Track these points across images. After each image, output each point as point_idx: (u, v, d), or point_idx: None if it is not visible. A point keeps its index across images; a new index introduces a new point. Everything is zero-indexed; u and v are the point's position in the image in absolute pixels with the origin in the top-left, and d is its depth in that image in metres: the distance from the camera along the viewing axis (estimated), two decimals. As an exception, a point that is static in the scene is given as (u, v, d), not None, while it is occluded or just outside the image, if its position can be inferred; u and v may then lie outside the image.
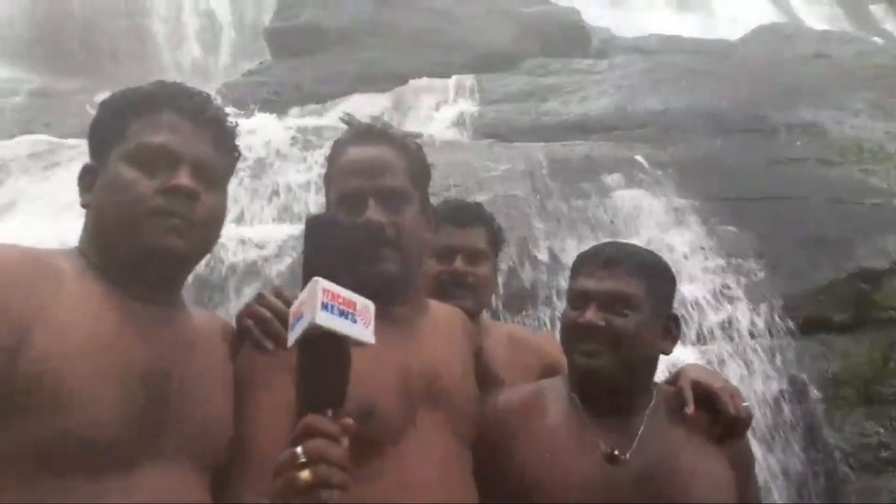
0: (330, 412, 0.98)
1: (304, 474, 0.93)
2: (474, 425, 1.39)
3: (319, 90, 7.81)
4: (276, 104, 7.37)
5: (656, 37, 9.24)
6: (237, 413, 1.21)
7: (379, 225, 1.32)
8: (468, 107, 7.13)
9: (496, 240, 1.96)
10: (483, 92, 7.38)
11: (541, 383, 1.59)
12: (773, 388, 4.29)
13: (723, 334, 4.72)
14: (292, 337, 1.01)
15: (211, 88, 8.35)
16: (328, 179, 1.43)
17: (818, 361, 4.40)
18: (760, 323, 4.75)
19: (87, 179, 1.20)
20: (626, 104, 7.75)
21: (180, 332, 1.18)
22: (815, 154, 6.89)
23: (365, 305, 1.03)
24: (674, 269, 5.43)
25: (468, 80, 7.40)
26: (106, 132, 1.18)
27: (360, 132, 1.44)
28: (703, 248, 5.36)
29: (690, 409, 1.46)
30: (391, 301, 1.33)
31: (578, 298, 1.49)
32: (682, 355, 4.52)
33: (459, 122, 6.89)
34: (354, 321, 1.01)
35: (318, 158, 5.04)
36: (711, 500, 1.38)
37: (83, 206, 1.20)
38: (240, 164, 1.36)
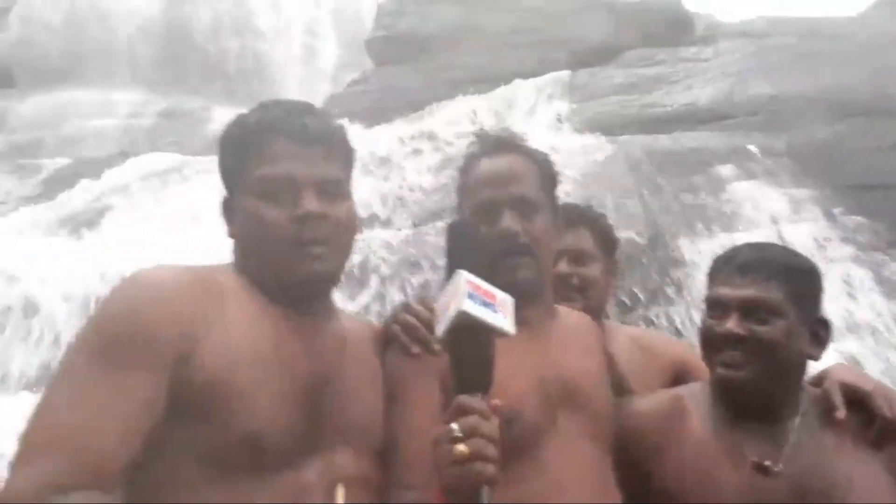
0: (480, 395, 1.03)
1: (461, 447, 0.98)
2: (612, 429, 1.39)
3: (421, 96, 7.95)
4: (381, 112, 7.56)
5: (764, 19, 8.80)
6: (386, 413, 1.27)
7: (514, 233, 1.36)
8: (566, 103, 7.06)
9: (605, 239, 1.91)
10: (581, 87, 7.28)
11: (678, 391, 1.54)
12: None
13: (856, 330, 4.46)
14: (441, 328, 1.06)
15: (317, 101, 8.68)
16: (462, 190, 1.46)
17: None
18: (897, 317, 4.47)
19: (227, 212, 1.28)
20: (736, 91, 7.41)
21: (333, 338, 1.25)
22: (950, 133, 6.38)
23: (504, 298, 1.08)
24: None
25: (565, 76, 7.32)
26: (229, 168, 1.25)
27: (492, 144, 1.45)
28: (827, 240, 5.09)
29: (841, 413, 1.38)
30: (525, 307, 1.36)
31: (716, 306, 1.42)
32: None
33: (558, 120, 6.83)
34: (496, 311, 1.06)
35: (428, 162, 5.15)
36: None
37: (230, 236, 1.28)
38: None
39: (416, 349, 1.29)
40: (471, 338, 1.04)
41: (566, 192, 5.31)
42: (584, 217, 1.90)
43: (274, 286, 1.21)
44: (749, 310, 1.38)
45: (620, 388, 1.52)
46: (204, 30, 8.72)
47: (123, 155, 6.02)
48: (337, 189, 1.24)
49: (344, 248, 1.27)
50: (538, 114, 7.12)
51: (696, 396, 1.48)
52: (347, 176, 1.30)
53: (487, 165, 1.42)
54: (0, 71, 7.67)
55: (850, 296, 4.68)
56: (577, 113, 7.07)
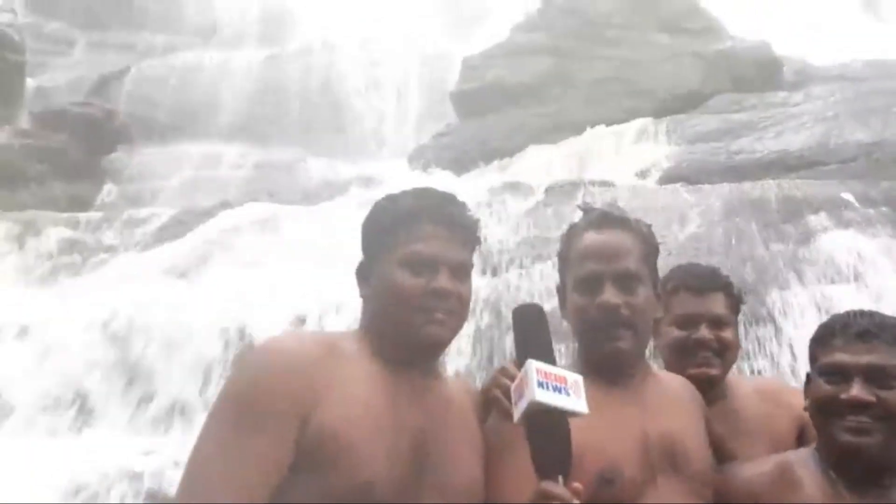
0: (560, 478, 1.11)
1: None
2: (711, 489, 1.44)
3: (504, 145, 8.11)
4: (465, 162, 7.77)
5: (860, 62, 8.51)
6: (487, 474, 1.37)
7: (616, 306, 1.44)
8: (652, 151, 7.03)
9: (736, 304, 1.94)
10: (668, 134, 7.24)
11: (787, 455, 1.55)
12: None
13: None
14: (517, 414, 1.14)
15: (405, 153, 9.00)
16: (564, 261, 1.57)
17: None
18: None
19: (363, 275, 1.45)
20: (830, 137, 7.19)
21: (439, 398, 1.39)
22: None
23: (575, 380, 1.15)
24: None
25: (650, 123, 7.31)
26: (375, 239, 1.43)
27: (597, 218, 1.55)
28: (932, 295, 4.82)
29: None
30: (623, 373, 1.45)
31: (836, 373, 1.45)
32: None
33: (644, 167, 6.81)
34: (568, 394, 1.13)
35: (510, 212, 5.26)
36: None
37: (362, 297, 1.45)
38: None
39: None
40: (546, 423, 1.12)
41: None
42: (718, 282, 1.93)
43: (396, 343, 1.37)
44: (873, 376, 1.40)
45: (720, 449, 1.55)
46: (297, 87, 9.29)
47: (224, 205, 6.44)
48: (465, 271, 1.42)
49: (461, 319, 1.42)
50: (622, 160, 7.13)
51: (803, 462, 1.50)
52: (473, 260, 1.47)
53: (592, 239, 1.52)
54: (118, 127, 8.41)
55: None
56: (661, 160, 7.03)
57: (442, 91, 9.53)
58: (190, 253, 5.30)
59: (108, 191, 7.83)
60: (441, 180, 6.90)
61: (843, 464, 1.43)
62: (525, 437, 1.14)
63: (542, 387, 1.11)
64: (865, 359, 1.41)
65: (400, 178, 7.02)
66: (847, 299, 4.88)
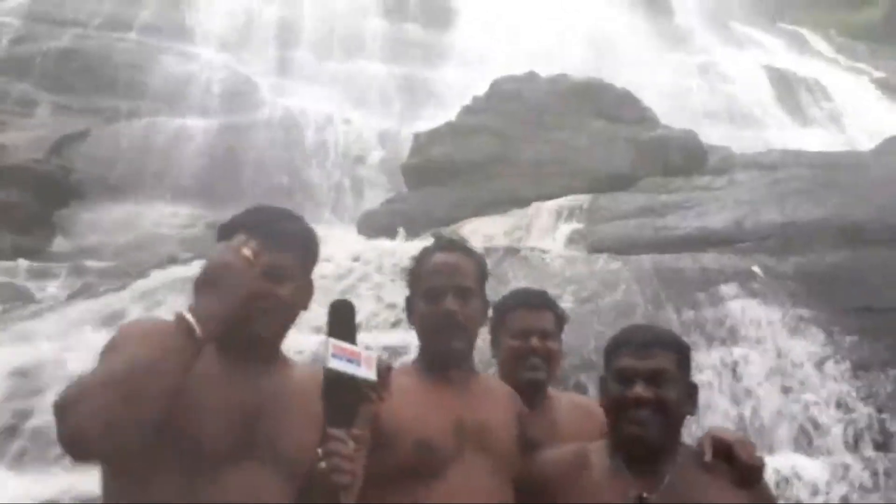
0: (344, 429, 1.38)
1: (321, 465, 1.34)
2: (516, 469, 1.76)
3: (450, 215, 8.54)
4: (411, 228, 8.14)
5: (778, 152, 9.30)
6: None
7: (454, 313, 1.79)
8: (584, 224, 7.51)
9: (560, 322, 2.29)
10: (599, 210, 7.75)
11: (585, 445, 1.85)
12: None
13: (850, 445, 4.55)
14: (333, 365, 1.40)
15: (354, 217, 9.38)
16: (415, 276, 1.91)
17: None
18: (889, 436, 4.54)
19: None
20: (747, 218, 7.78)
21: (274, 380, 1.58)
22: (954, 263, 6.53)
23: (368, 356, 1.43)
24: (794, 378, 5.28)
25: (585, 199, 7.83)
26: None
27: (445, 242, 1.97)
28: (823, 359, 5.23)
29: (708, 456, 1.69)
30: (454, 368, 1.81)
31: (623, 376, 1.74)
32: (806, 465, 4.41)
33: (574, 239, 7.26)
34: (359, 365, 1.41)
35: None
36: None
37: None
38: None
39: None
40: (337, 386, 1.39)
41: (569, 306, 5.65)
42: (548, 302, 2.29)
43: (231, 338, 1.54)
44: (653, 378, 1.72)
45: (530, 440, 1.88)
46: (254, 154, 9.70)
47: (171, 261, 6.65)
48: (284, 273, 1.62)
49: (283, 317, 1.64)
50: (556, 233, 7.58)
51: (597, 450, 1.81)
52: (302, 266, 1.69)
53: (439, 258, 1.89)
54: (73, 184, 8.66)
55: (846, 411, 4.80)
56: (592, 233, 7.50)
57: (395, 166, 10.04)
58: (128, 304, 5.48)
59: (58, 243, 7.98)
60: (384, 242, 7.24)
61: (628, 451, 1.74)
62: (320, 396, 1.42)
63: (336, 357, 1.39)
64: (647, 364, 1.74)
65: (347, 239, 7.35)
66: (751, 360, 5.29)
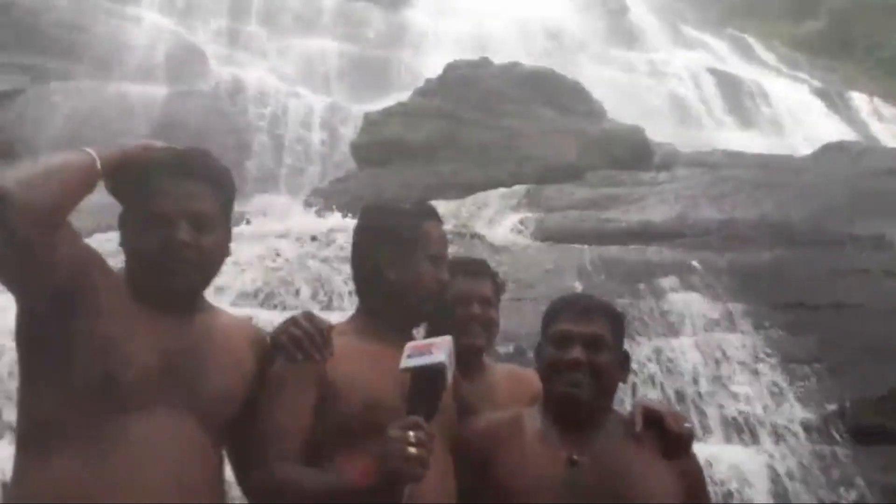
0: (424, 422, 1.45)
1: (413, 450, 1.39)
2: (453, 430, 1.76)
3: (398, 195, 8.45)
4: (358, 207, 8.01)
5: (721, 152, 9.54)
6: (266, 401, 1.58)
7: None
8: (530, 213, 7.55)
9: (498, 290, 2.34)
10: (546, 200, 7.81)
11: (520, 410, 1.87)
12: (828, 498, 4.23)
13: (779, 436, 4.70)
14: (405, 364, 1.53)
15: (303, 194, 9.21)
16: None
17: (877, 472, 4.31)
18: (815, 428, 4.71)
19: (121, 226, 1.64)
20: (688, 214, 7.96)
21: (196, 327, 1.56)
22: (880, 265, 6.82)
23: (440, 342, 1.55)
24: (723, 371, 5.39)
25: (531, 189, 7.87)
26: (129, 196, 1.63)
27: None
28: (756, 352, 5.40)
29: (639, 426, 1.72)
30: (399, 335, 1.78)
31: (561, 340, 1.76)
32: (736, 454, 4.54)
33: (521, 228, 7.29)
34: (430, 353, 1.52)
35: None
36: (657, 498, 1.62)
37: (120, 246, 1.61)
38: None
39: (299, 356, 1.61)
40: (419, 382, 1.49)
41: (511, 294, 5.67)
42: (487, 270, 2.34)
43: (145, 292, 1.55)
44: (589, 343, 1.72)
45: (465, 405, 1.86)
46: (199, 124, 9.38)
47: (107, 228, 6.38)
48: (208, 222, 1.60)
49: (203, 269, 1.62)
50: (503, 221, 7.60)
51: (531, 414, 1.81)
52: (220, 209, 1.65)
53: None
54: (3, 145, 8.22)
55: (775, 404, 4.96)
56: (537, 222, 7.54)
57: (343, 144, 9.90)
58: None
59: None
60: (335, 221, 7.12)
61: (561, 412, 1.74)
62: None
63: (410, 357, 1.52)
64: (585, 329, 1.75)
65: (294, 215, 7.20)
66: (687, 351, 5.42)
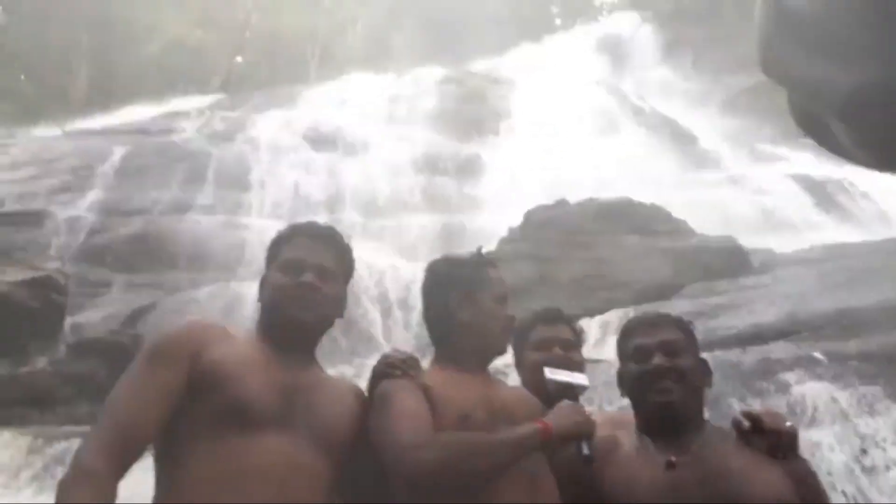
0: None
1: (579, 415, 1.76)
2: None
3: (499, 343, 8.61)
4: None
5: (820, 247, 9.27)
6: (378, 410, 1.80)
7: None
8: (633, 332, 7.48)
9: (577, 334, 2.53)
10: (646, 319, 7.75)
11: (612, 433, 1.94)
12: None
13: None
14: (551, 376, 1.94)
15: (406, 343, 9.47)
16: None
17: None
18: None
19: (261, 286, 2.01)
20: (799, 310, 7.69)
21: (311, 374, 1.85)
22: None
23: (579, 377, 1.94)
24: (869, 459, 5.11)
25: (628, 311, 7.87)
26: (268, 255, 2.06)
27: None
28: (903, 431, 4.99)
29: (746, 424, 1.75)
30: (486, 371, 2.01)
31: (639, 353, 1.88)
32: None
33: (626, 347, 7.22)
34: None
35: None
36: (767, 495, 1.61)
37: (258, 301, 1.98)
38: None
39: (398, 372, 1.84)
40: (559, 393, 1.86)
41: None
42: (562, 316, 2.55)
43: (271, 326, 1.90)
44: (667, 349, 1.84)
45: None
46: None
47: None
48: (331, 273, 1.95)
49: (326, 310, 1.94)
50: (604, 346, 7.57)
51: (624, 433, 1.89)
52: (340, 268, 2.00)
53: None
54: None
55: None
56: (643, 341, 7.45)
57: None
58: None
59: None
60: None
61: (657, 421, 1.81)
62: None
63: (552, 373, 1.93)
64: (658, 337, 1.86)
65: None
66: (829, 442, 5.07)
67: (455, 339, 2.00)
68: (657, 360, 1.82)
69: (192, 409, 1.67)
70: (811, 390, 5.64)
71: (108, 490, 1.51)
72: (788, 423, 1.76)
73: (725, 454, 1.71)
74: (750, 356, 6.59)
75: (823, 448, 5.12)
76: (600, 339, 7.83)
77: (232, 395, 1.67)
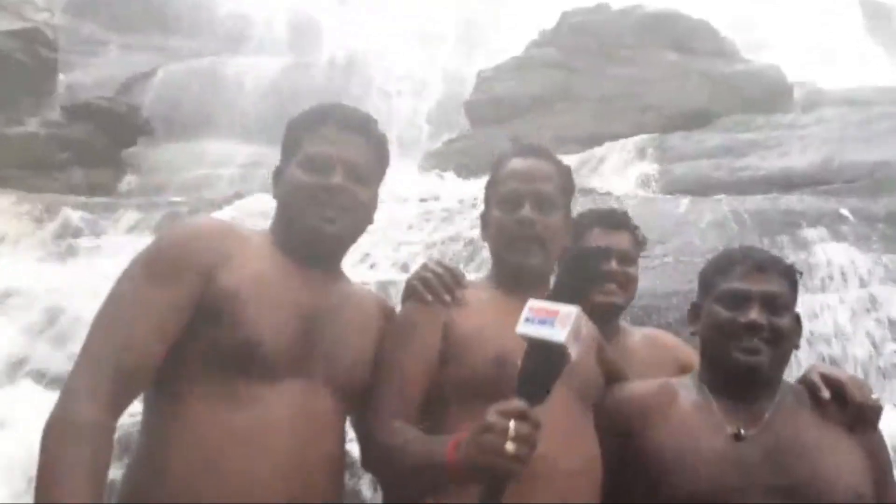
0: (534, 407, 1.20)
1: (510, 446, 1.15)
2: (595, 399, 1.58)
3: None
4: (473, 168, 7.93)
5: (870, 88, 8.60)
6: (390, 345, 1.51)
7: (532, 222, 1.55)
8: (656, 164, 7.15)
9: (638, 244, 2.12)
10: (673, 149, 7.35)
11: (669, 379, 1.68)
12: None
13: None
14: (521, 329, 1.23)
15: (416, 157, 9.19)
16: (491, 184, 1.67)
17: None
18: None
19: (275, 179, 1.58)
20: (835, 157, 7.27)
21: (335, 291, 1.51)
22: None
23: (567, 312, 1.21)
24: (885, 330, 4.94)
25: (657, 138, 7.44)
26: (286, 144, 1.57)
27: (525, 147, 1.70)
28: (920, 308, 4.87)
29: (826, 394, 1.49)
30: (528, 285, 1.55)
31: (735, 299, 1.54)
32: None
33: (645, 180, 6.93)
34: (552, 326, 1.20)
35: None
36: (842, 479, 1.41)
37: (274, 197, 1.57)
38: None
39: (429, 297, 1.52)
40: (535, 356, 1.21)
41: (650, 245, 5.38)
42: (627, 223, 2.11)
43: (292, 237, 1.51)
44: (767, 303, 1.52)
45: (613, 371, 1.69)
46: (318, 94, 9.55)
47: (238, 196, 6.65)
48: (364, 173, 1.56)
49: (356, 219, 1.55)
50: (626, 174, 7.26)
51: (683, 383, 1.63)
52: (377, 166, 1.61)
53: (516, 163, 1.64)
54: (140, 122, 8.75)
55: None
56: (665, 173, 7.14)
57: (458, 103, 9.76)
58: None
59: (128, 181, 8.12)
60: (449, 183, 7.07)
61: (732, 382, 1.53)
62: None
63: (529, 321, 1.22)
64: (763, 287, 1.53)
65: (410, 178, 7.21)
66: (838, 307, 4.97)
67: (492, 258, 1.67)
68: (754, 314, 1.50)
69: (191, 344, 1.35)
70: (832, 252, 5.45)
71: (105, 443, 1.25)
72: (875, 396, 1.51)
73: (798, 427, 1.46)
74: (773, 205, 6.32)
75: (832, 312, 5.03)
76: (621, 164, 7.50)
77: (242, 337, 1.34)
